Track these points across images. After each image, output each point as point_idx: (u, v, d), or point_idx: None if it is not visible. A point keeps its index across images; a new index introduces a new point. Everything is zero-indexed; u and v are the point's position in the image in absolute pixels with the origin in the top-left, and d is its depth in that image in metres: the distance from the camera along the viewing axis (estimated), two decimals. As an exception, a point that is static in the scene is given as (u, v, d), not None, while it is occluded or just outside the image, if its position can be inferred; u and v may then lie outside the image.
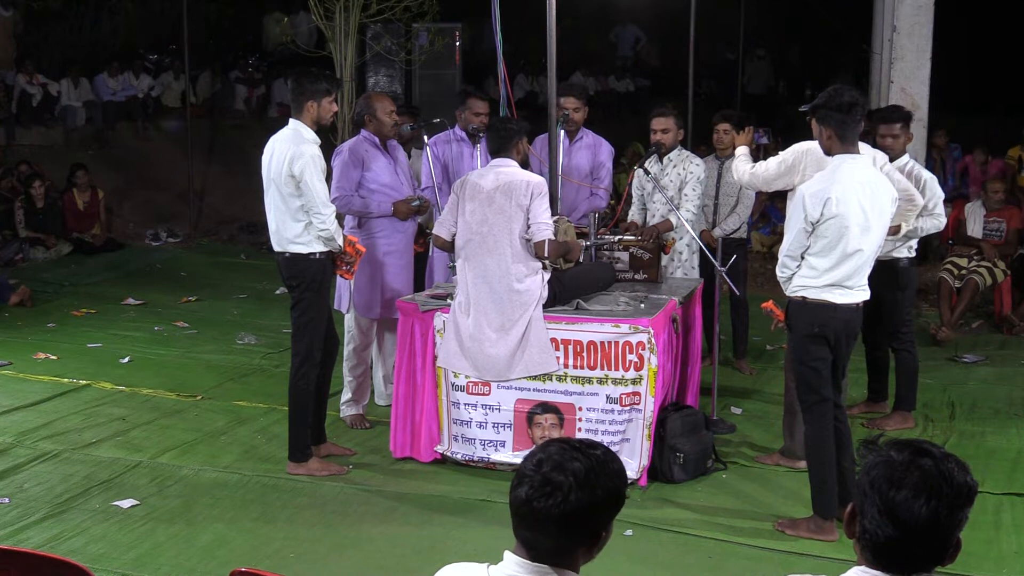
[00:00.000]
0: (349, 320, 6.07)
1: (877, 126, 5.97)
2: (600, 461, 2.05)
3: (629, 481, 5.08)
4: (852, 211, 4.37)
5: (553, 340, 5.11)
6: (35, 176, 11.57)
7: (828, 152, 4.53)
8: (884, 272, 5.87)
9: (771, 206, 11.19)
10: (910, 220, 5.61)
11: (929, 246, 10.12)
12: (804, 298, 4.55)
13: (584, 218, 6.13)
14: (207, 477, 5.24)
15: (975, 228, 8.81)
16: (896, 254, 5.91)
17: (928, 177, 5.91)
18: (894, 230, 5.30)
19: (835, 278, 4.47)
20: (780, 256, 4.62)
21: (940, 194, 5.93)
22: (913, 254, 6.04)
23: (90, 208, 11.92)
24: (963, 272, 8.48)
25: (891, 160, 5.76)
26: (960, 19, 13.24)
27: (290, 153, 5.03)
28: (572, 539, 2.04)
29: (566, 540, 2.04)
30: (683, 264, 6.52)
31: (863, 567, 1.99)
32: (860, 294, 4.55)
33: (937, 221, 5.85)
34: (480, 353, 5.16)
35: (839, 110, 4.42)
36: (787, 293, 4.65)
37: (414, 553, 4.40)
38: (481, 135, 6.04)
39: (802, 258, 4.52)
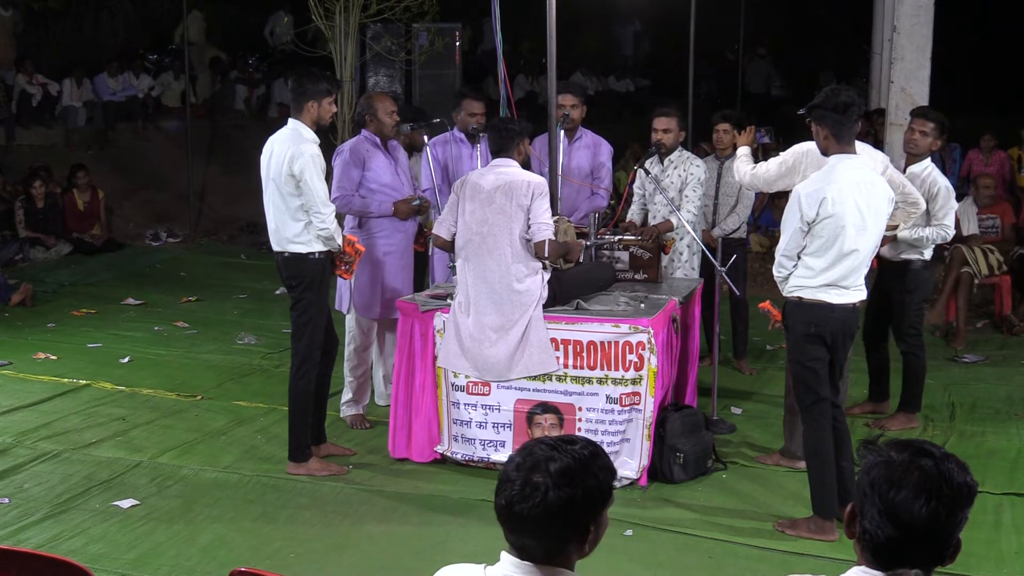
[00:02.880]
0: (350, 320, 6.07)
1: (913, 118, 5.91)
2: (580, 458, 2.03)
3: (629, 481, 5.09)
4: (848, 211, 4.37)
5: (553, 340, 5.11)
6: (35, 176, 11.55)
7: (824, 152, 4.54)
8: (894, 273, 5.86)
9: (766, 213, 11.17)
10: (911, 222, 5.60)
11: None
12: (800, 298, 4.55)
13: (584, 218, 6.13)
14: (207, 477, 5.24)
15: (970, 227, 8.77)
16: (907, 256, 5.85)
17: (944, 185, 5.75)
18: (891, 230, 5.28)
19: (831, 278, 4.46)
20: (777, 256, 4.63)
21: (953, 205, 5.81)
22: (927, 257, 5.92)
23: (90, 208, 11.91)
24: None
25: (914, 158, 5.77)
26: (960, 19, 13.23)
27: (290, 152, 5.02)
28: (559, 538, 2.02)
29: (553, 540, 2.02)
30: (683, 265, 6.52)
31: (863, 567, 2.00)
32: (857, 294, 4.55)
33: (944, 232, 5.73)
34: (480, 353, 5.16)
35: (835, 110, 4.42)
36: (784, 293, 4.65)
37: (414, 553, 4.40)
38: (481, 135, 6.05)
39: (798, 258, 4.53)
